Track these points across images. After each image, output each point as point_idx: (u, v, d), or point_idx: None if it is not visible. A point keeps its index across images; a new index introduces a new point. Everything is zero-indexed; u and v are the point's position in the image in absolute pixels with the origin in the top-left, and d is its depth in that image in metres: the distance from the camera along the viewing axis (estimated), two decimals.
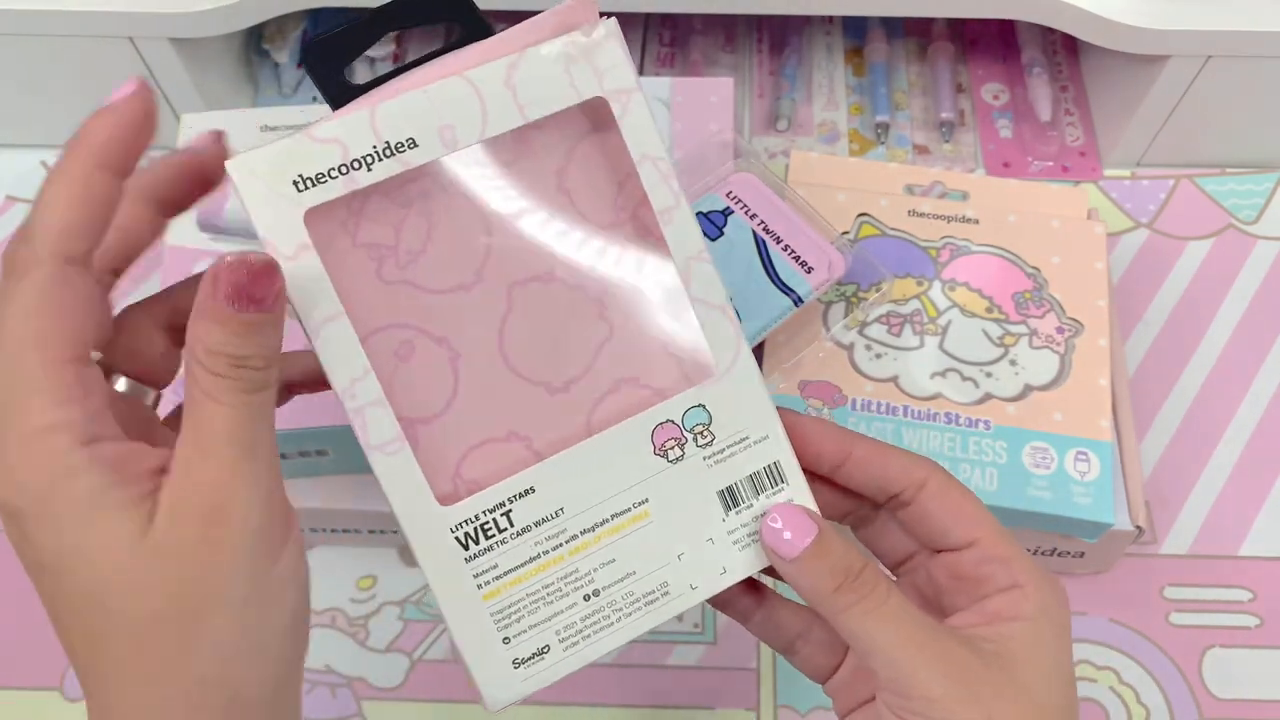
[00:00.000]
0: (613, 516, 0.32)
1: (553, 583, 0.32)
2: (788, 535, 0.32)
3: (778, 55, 0.72)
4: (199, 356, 0.27)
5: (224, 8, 0.60)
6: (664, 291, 0.33)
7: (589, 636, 0.33)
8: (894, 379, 0.51)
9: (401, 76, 0.30)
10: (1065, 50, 0.71)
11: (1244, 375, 0.60)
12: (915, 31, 0.73)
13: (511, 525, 0.32)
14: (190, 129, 0.56)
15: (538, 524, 0.32)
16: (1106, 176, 0.67)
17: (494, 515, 0.32)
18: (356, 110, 0.29)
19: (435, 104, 0.30)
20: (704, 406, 0.33)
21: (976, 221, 0.55)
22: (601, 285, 0.33)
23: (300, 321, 0.30)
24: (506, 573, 0.32)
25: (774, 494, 0.33)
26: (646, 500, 0.33)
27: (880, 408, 0.50)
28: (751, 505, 0.33)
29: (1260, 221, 0.65)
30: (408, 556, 0.56)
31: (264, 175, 0.29)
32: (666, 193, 0.32)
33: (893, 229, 0.55)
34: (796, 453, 0.34)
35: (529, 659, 0.32)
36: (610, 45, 0.31)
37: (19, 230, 0.27)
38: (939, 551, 0.34)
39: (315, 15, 0.71)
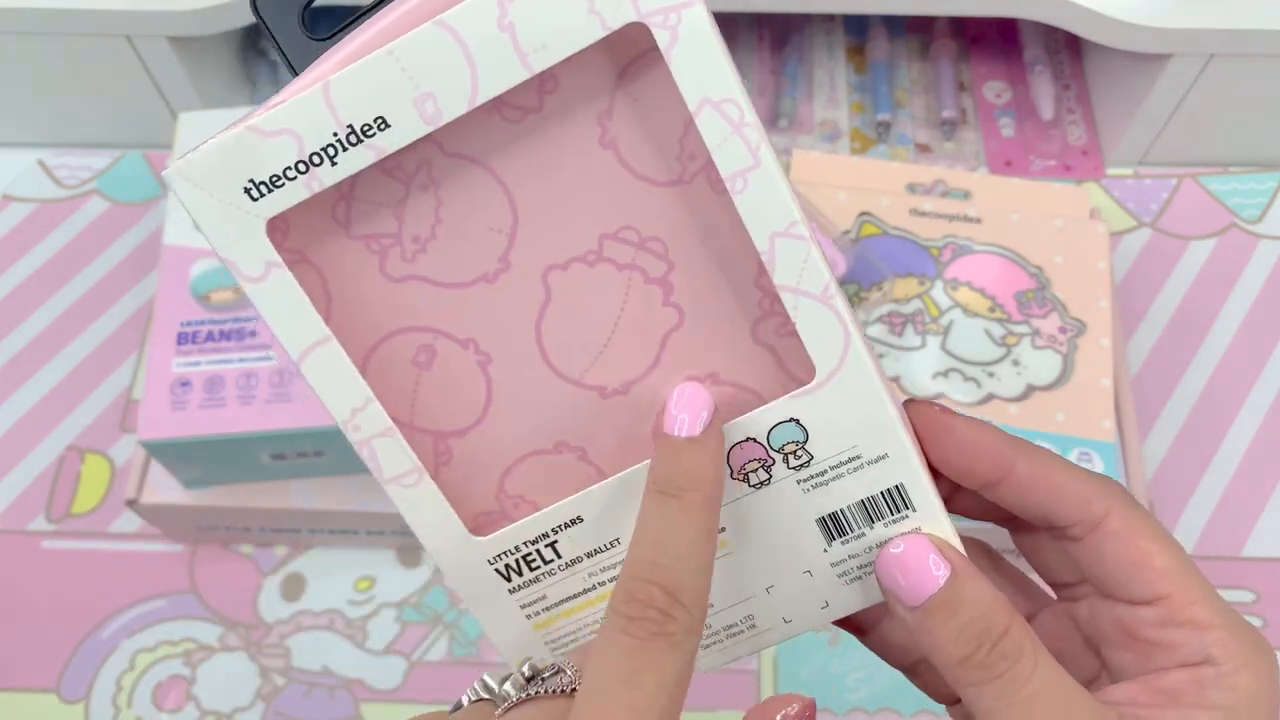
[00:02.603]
0: None
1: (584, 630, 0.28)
2: (908, 576, 0.25)
3: (778, 53, 0.72)
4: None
5: (221, 6, 0.59)
6: (753, 261, 0.25)
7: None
8: (896, 379, 0.51)
9: (376, 16, 0.24)
10: (1068, 48, 0.71)
11: (1247, 376, 0.60)
12: (917, 29, 0.72)
13: (559, 557, 0.27)
14: (188, 127, 0.56)
15: (590, 555, 0.27)
16: (1109, 175, 0.67)
17: (536, 547, 0.27)
18: (309, 85, 0.23)
19: (405, 66, 0.23)
20: (797, 421, 0.26)
21: (979, 221, 0.55)
22: (666, 261, 0.26)
23: (285, 349, 0.26)
24: (557, 604, 0.28)
25: (894, 522, 0.26)
26: (723, 529, 0.27)
27: None
28: (864, 535, 0.27)
29: (1264, 221, 0.65)
30: (406, 558, 0.56)
31: (208, 184, 0.24)
32: (739, 149, 0.23)
33: (894, 228, 0.55)
34: (937, 464, 0.27)
35: None
36: None
37: (657, 573, 0.24)
38: (1109, 598, 0.27)
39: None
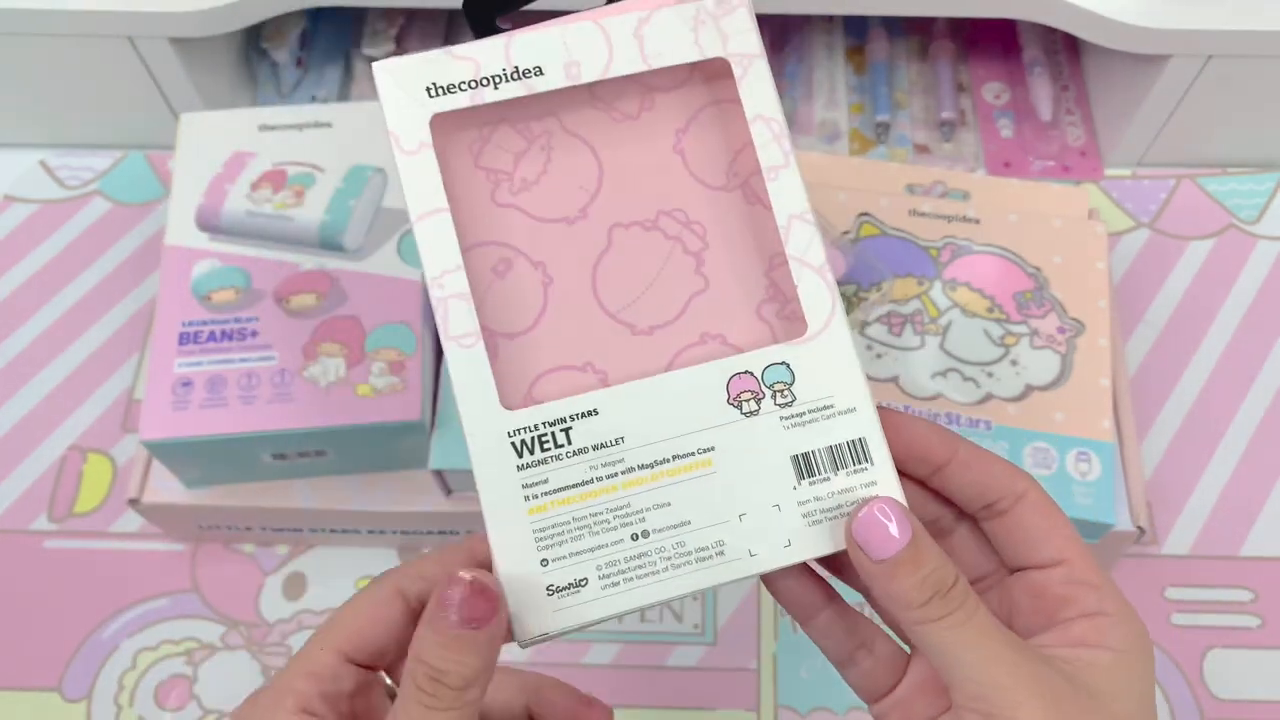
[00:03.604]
0: (674, 458, 0.31)
1: (601, 512, 0.31)
2: (881, 531, 0.29)
3: (778, 54, 0.72)
4: (409, 661, 0.28)
5: (223, 7, 0.60)
6: (766, 257, 0.34)
7: (631, 580, 0.31)
8: (895, 379, 0.51)
9: (542, 24, 0.33)
10: (1066, 50, 0.71)
11: (1245, 375, 0.60)
12: (916, 30, 0.73)
13: (569, 443, 0.31)
14: (189, 128, 0.56)
15: (595, 448, 0.31)
16: (1108, 176, 0.67)
17: (553, 429, 0.31)
18: (494, 38, 0.32)
19: (566, 41, 0.32)
20: (787, 365, 0.32)
21: (977, 221, 0.55)
22: (703, 241, 0.34)
23: (409, 210, 0.32)
24: (556, 490, 0.31)
25: (855, 473, 0.31)
26: (712, 449, 0.31)
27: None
28: (829, 479, 0.31)
29: (1261, 221, 0.65)
30: (407, 557, 0.56)
31: (402, 79, 0.32)
32: (776, 151, 0.33)
33: (894, 228, 0.55)
34: (901, 454, 0.32)
35: (564, 589, 0.31)
36: (739, 13, 0.33)
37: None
38: (1020, 570, 0.32)
39: (314, 15, 0.71)
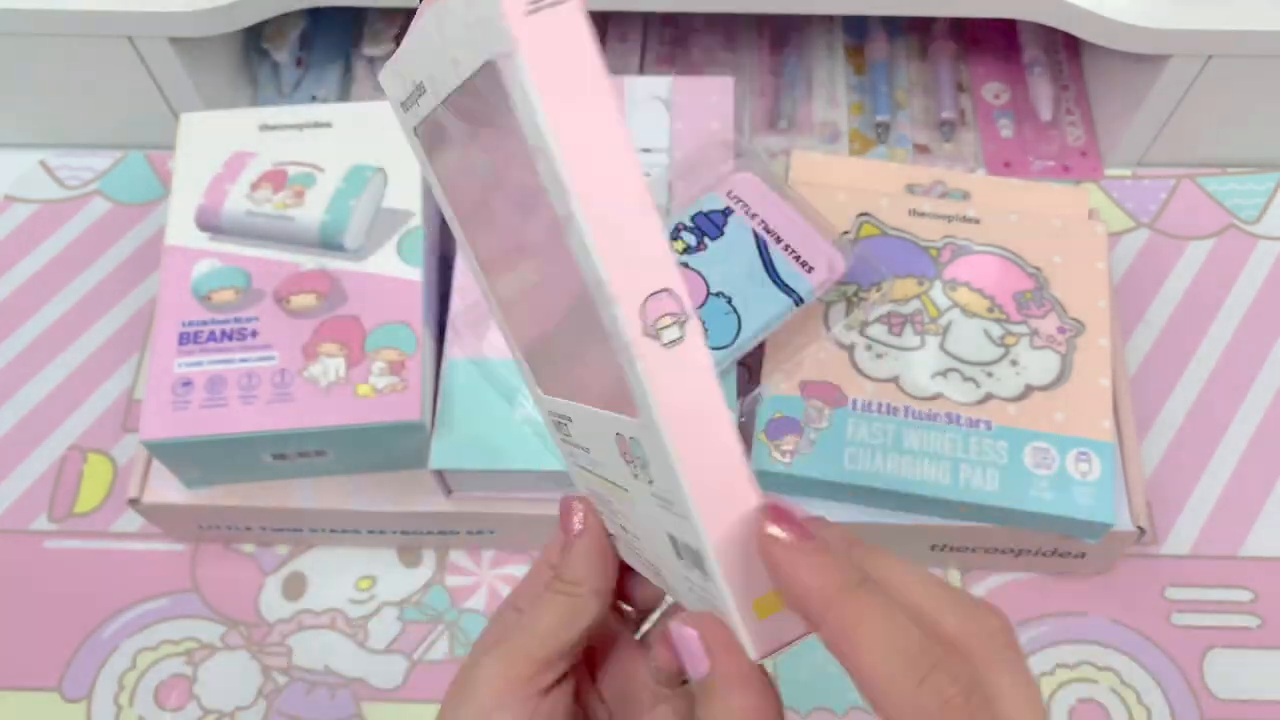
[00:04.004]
0: (613, 483, 0.30)
1: (600, 494, 0.33)
2: (682, 655, 0.28)
3: (778, 54, 0.72)
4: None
5: (223, 7, 0.60)
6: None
7: (639, 552, 0.33)
8: (895, 379, 0.51)
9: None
10: (1066, 49, 0.71)
11: (1245, 375, 0.60)
12: (916, 30, 0.73)
13: (571, 436, 0.33)
14: (189, 128, 0.56)
15: (579, 448, 0.32)
16: (1108, 176, 0.67)
17: (560, 420, 0.33)
18: (403, 43, 0.28)
19: (420, 47, 0.26)
20: (639, 441, 0.26)
21: (977, 221, 0.55)
22: None
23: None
24: (579, 466, 0.34)
25: (705, 577, 0.27)
26: (627, 490, 0.29)
27: (881, 408, 0.50)
28: (692, 571, 0.28)
29: (1261, 221, 0.65)
30: (407, 557, 0.56)
31: (391, 91, 0.30)
32: (558, 198, 0.23)
33: (894, 228, 0.55)
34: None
35: (610, 534, 0.34)
36: None
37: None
38: None
39: (314, 15, 0.71)
